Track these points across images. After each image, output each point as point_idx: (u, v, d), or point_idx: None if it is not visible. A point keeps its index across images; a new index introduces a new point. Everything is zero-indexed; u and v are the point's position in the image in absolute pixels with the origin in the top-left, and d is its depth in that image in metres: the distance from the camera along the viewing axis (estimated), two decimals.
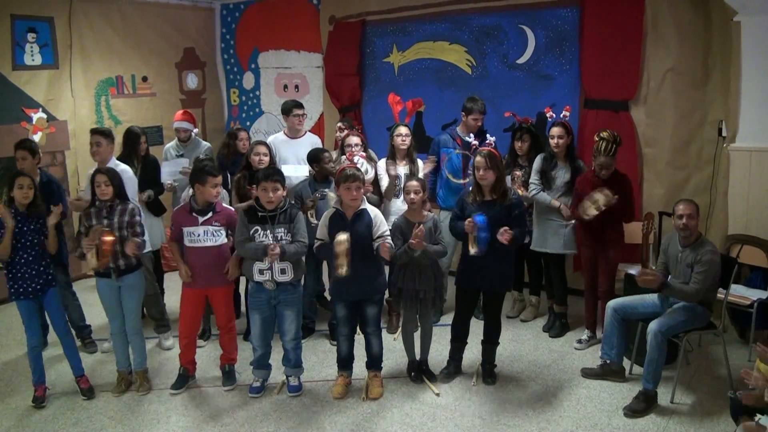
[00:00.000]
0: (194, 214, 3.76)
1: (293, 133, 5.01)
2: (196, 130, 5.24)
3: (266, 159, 4.39)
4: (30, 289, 3.69)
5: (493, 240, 3.60)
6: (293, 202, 4.19)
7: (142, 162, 4.78)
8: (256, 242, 3.60)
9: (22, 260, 3.68)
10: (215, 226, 3.76)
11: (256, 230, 3.62)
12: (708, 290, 3.56)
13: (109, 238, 3.59)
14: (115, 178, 3.75)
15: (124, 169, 4.28)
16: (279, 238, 3.61)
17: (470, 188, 3.83)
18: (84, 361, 4.00)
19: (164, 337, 4.58)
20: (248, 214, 3.68)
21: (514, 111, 4.74)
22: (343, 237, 3.42)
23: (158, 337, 4.59)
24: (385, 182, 4.61)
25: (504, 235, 3.54)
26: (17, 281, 3.68)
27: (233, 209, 3.98)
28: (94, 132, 4.44)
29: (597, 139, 4.06)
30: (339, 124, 5.21)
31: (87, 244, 3.60)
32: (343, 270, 3.43)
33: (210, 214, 3.76)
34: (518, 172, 4.61)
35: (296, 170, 4.67)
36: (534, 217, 4.53)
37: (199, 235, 3.74)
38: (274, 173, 3.68)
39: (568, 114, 4.42)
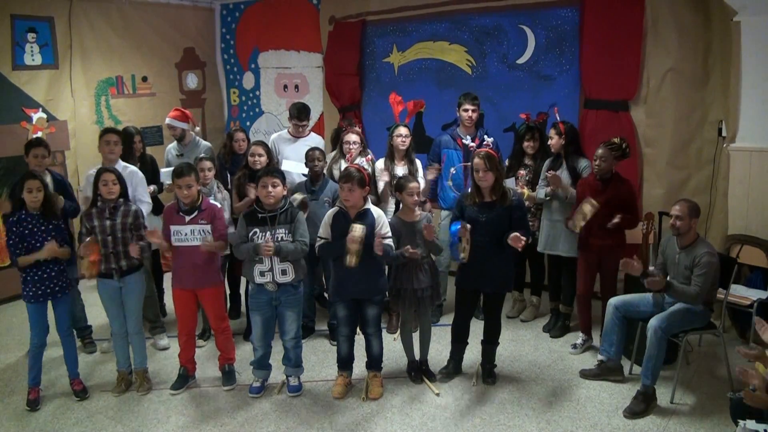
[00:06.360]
0: (181, 213, 3.75)
1: (296, 133, 5.02)
2: (197, 129, 5.22)
3: (262, 159, 4.39)
4: (40, 292, 3.65)
5: (497, 241, 3.61)
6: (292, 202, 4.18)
7: (140, 161, 4.79)
8: (249, 243, 3.60)
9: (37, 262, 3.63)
10: (202, 224, 3.73)
11: (255, 232, 3.61)
12: (708, 290, 3.56)
13: (93, 258, 3.58)
14: (121, 178, 3.75)
15: (135, 171, 4.31)
16: (279, 239, 3.61)
17: (470, 189, 3.83)
18: (84, 361, 4.00)
19: (159, 338, 4.58)
20: (248, 216, 3.68)
21: (518, 112, 4.73)
22: (359, 227, 3.44)
23: (152, 338, 4.57)
24: (382, 184, 4.60)
25: (516, 241, 3.53)
26: (33, 284, 3.64)
27: (218, 204, 3.96)
28: (111, 131, 4.32)
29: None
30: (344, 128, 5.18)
31: (79, 256, 3.62)
32: (353, 261, 3.44)
33: (195, 213, 3.74)
34: (522, 172, 4.61)
35: (296, 167, 4.65)
36: (542, 218, 4.52)
37: (185, 234, 3.72)
38: (273, 170, 3.71)
39: (556, 117, 4.42)
